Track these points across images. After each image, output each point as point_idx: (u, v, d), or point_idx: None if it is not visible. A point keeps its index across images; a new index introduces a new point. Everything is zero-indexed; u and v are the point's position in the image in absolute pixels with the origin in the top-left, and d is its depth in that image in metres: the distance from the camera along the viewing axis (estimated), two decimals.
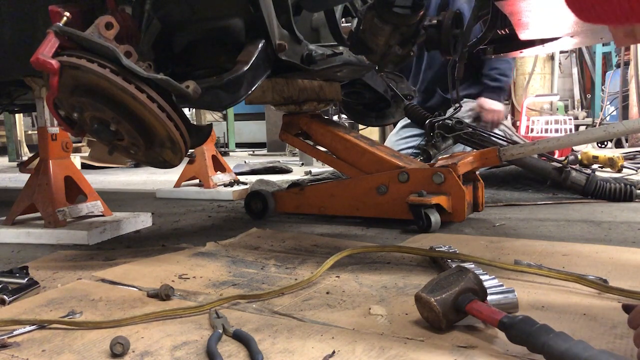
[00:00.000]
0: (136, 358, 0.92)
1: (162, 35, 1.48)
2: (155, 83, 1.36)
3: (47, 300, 1.23)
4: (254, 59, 1.47)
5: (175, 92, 1.39)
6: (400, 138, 3.56)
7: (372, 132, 5.85)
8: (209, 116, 8.97)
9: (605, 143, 6.53)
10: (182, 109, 1.49)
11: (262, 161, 5.22)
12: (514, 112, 7.45)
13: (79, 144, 6.86)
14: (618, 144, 6.49)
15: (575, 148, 3.99)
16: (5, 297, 1.21)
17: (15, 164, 6.71)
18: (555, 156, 2.94)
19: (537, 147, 2.06)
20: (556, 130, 5.17)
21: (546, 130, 5.23)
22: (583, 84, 9.30)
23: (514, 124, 5.95)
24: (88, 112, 1.44)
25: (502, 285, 1.11)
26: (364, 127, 3.29)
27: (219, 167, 3.26)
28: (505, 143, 2.42)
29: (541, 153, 2.38)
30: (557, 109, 7.20)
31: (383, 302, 1.17)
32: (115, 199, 3.06)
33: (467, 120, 3.24)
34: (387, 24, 1.59)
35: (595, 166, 3.60)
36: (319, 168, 4.56)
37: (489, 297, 1.02)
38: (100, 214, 2.17)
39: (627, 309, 0.94)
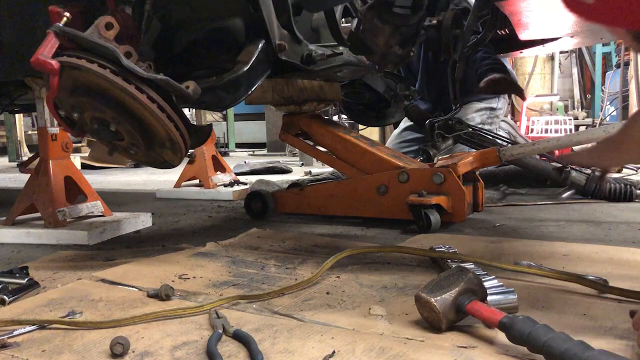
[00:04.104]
0: (136, 358, 0.92)
1: (162, 35, 1.48)
2: (155, 83, 1.36)
3: (47, 300, 1.23)
4: (254, 59, 1.47)
5: (175, 93, 1.39)
6: (402, 140, 3.54)
7: (372, 132, 5.84)
8: (209, 116, 8.96)
9: None
10: (182, 109, 1.49)
11: (262, 161, 5.22)
12: (514, 112, 7.45)
13: (79, 144, 6.85)
14: None
15: (575, 148, 3.98)
16: (5, 297, 1.21)
17: (15, 164, 6.71)
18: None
19: (537, 147, 2.06)
20: (556, 131, 5.17)
21: (546, 131, 5.23)
22: (583, 84, 9.30)
23: None
24: (88, 112, 1.44)
25: (502, 286, 1.11)
26: (364, 127, 3.29)
27: (219, 167, 3.26)
28: (505, 143, 2.42)
29: (541, 153, 2.38)
30: (557, 109, 7.20)
31: (383, 302, 1.17)
32: (115, 199, 3.06)
33: (477, 120, 3.24)
34: (387, 24, 1.60)
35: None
36: (319, 168, 4.56)
37: (489, 298, 1.02)
38: (100, 214, 2.17)
39: (632, 314, 0.94)
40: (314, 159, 4.61)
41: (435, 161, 2.25)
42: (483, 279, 1.05)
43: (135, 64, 1.35)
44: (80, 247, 1.86)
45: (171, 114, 1.40)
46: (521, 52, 2.39)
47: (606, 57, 8.77)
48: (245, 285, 1.33)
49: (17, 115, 6.96)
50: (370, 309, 1.11)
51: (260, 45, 1.49)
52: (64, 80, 1.37)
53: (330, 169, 3.54)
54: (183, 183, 3.24)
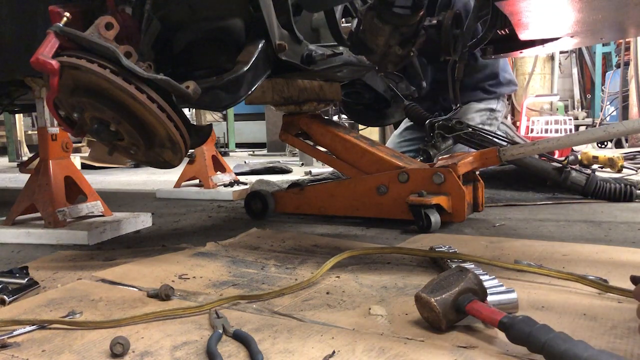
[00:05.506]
0: (136, 358, 0.92)
1: (162, 35, 1.48)
2: (155, 83, 1.36)
3: (47, 300, 1.23)
4: (254, 59, 1.47)
5: (175, 93, 1.39)
6: (403, 140, 3.53)
7: (372, 132, 5.83)
8: (209, 116, 8.97)
9: (605, 143, 6.53)
10: (182, 109, 1.49)
11: (262, 161, 5.22)
12: (514, 112, 7.45)
13: (79, 144, 6.85)
14: (618, 144, 6.48)
15: (575, 148, 3.98)
16: (5, 297, 1.21)
17: (15, 164, 6.71)
18: (555, 156, 2.94)
19: (537, 147, 2.05)
20: (556, 131, 5.17)
21: (546, 131, 5.23)
22: (583, 84, 9.30)
23: (514, 124, 5.95)
24: (88, 112, 1.44)
25: (502, 286, 1.11)
26: (364, 127, 3.28)
27: (219, 167, 3.26)
28: (505, 143, 2.42)
29: (541, 153, 2.38)
30: (557, 109, 7.20)
31: (383, 302, 1.17)
32: (115, 199, 3.06)
33: (477, 120, 3.23)
34: (387, 24, 1.60)
35: (595, 166, 3.59)
36: (319, 168, 4.56)
37: (489, 297, 1.02)
38: (100, 214, 2.17)
39: (635, 280, 0.93)
40: (314, 159, 4.61)
41: (435, 161, 2.25)
42: (483, 279, 1.05)
43: (135, 64, 1.35)
44: (80, 247, 1.86)
45: (171, 114, 1.40)
46: (521, 52, 2.39)
47: (606, 57, 8.77)
48: (245, 285, 1.33)
49: (17, 115, 6.96)
50: (370, 309, 1.11)
51: (260, 46, 1.49)
52: (64, 80, 1.37)
53: (330, 169, 3.54)
54: (183, 183, 3.24)
